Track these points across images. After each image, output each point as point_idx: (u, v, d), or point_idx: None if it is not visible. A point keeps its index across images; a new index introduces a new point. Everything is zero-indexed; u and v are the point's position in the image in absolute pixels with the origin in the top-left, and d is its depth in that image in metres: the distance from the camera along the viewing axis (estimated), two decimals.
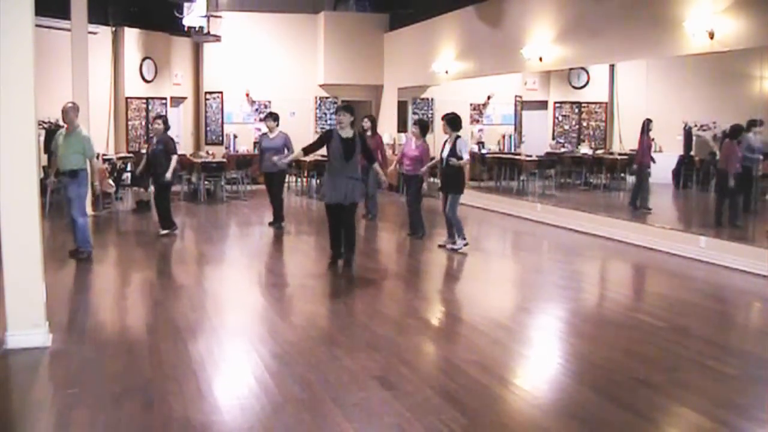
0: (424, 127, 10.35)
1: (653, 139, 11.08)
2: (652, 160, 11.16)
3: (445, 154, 8.92)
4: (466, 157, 8.91)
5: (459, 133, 8.92)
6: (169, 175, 9.82)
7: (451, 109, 9.61)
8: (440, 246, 9.30)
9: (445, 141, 9.02)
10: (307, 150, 8.26)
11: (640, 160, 11.18)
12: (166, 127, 10.09)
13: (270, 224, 11.05)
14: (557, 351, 5.51)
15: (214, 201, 14.29)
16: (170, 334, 5.64)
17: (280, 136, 10.79)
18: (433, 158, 9.88)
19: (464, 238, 9.15)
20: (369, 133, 11.48)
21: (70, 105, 8.42)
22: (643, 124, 11.01)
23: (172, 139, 10.15)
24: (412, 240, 9.94)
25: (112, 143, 15.23)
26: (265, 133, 11.13)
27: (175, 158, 9.90)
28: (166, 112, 16.28)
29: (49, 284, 5.93)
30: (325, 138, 8.06)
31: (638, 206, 11.10)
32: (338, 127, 7.99)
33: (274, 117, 10.97)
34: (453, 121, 8.99)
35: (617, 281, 8.53)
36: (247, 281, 7.98)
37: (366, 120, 11.89)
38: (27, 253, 5.21)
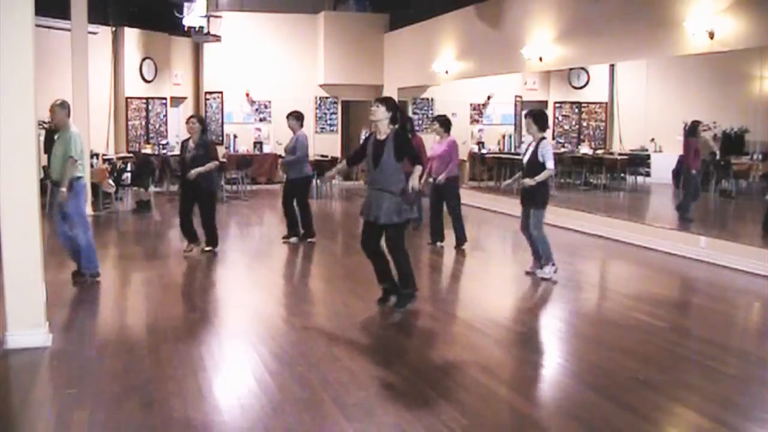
0: (444, 122, 9.19)
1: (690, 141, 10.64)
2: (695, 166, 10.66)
3: (526, 159, 7.35)
4: (549, 165, 7.12)
5: (544, 135, 7.26)
6: (193, 173, 8.35)
7: (450, 108, 9.47)
8: (527, 273, 7.76)
9: (529, 144, 7.39)
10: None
11: (687, 166, 10.74)
12: (204, 128, 8.68)
13: (302, 238, 9.69)
14: (557, 351, 5.51)
15: None
16: (170, 334, 5.64)
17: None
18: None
19: (553, 264, 7.51)
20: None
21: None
22: (692, 126, 10.63)
23: (213, 143, 8.70)
24: (430, 245, 9.30)
25: (112, 143, 15.25)
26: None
27: (213, 164, 8.52)
28: (166, 112, 16.29)
29: (49, 284, 5.94)
30: (364, 143, 6.54)
31: (686, 216, 10.54)
32: (372, 126, 6.34)
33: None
34: (539, 118, 7.26)
35: (617, 281, 8.52)
36: (248, 281, 7.97)
37: None
38: (27, 253, 5.21)
